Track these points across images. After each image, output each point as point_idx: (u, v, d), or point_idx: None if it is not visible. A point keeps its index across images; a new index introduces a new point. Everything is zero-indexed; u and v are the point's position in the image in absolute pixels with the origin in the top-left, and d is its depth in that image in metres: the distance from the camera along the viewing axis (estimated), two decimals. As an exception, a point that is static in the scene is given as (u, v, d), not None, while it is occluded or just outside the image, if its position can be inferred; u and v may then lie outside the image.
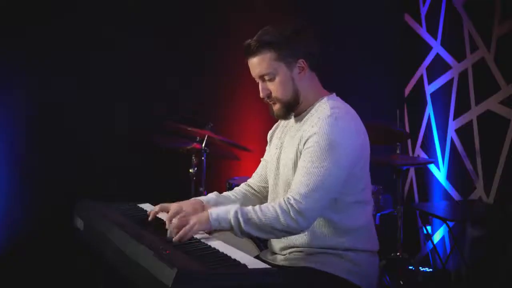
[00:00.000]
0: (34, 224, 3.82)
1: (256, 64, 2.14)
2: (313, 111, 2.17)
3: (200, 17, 4.24)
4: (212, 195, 2.37)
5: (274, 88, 2.15)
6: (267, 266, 1.82)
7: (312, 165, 2.01)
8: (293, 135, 2.20)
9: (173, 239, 1.97)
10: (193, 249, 1.91)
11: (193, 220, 2.00)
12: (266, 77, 2.14)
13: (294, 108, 2.19)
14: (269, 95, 2.17)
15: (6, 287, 3.77)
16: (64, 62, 3.90)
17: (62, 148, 3.91)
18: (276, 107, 2.20)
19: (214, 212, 2.03)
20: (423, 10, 4.44)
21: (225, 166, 4.33)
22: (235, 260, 1.81)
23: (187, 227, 1.98)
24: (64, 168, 3.89)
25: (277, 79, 2.13)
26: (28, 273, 3.77)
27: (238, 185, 3.59)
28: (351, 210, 2.11)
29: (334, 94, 2.24)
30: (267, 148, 2.44)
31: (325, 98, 2.18)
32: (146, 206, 2.53)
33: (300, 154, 2.09)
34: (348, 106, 2.20)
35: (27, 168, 3.88)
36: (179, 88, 4.23)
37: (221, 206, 2.09)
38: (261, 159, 2.47)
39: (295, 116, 2.23)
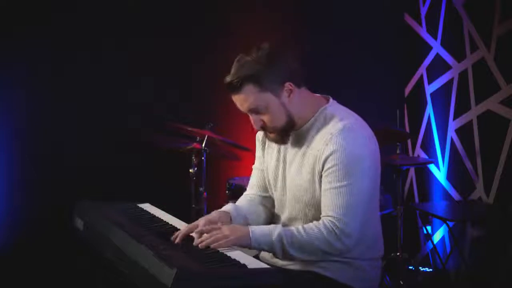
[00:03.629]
0: (34, 224, 3.82)
1: (242, 101, 2.04)
2: (317, 123, 2.10)
3: (200, 17, 4.24)
4: (229, 207, 2.24)
5: (266, 119, 2.07)
6: (267, 266, 1.82)
7: (341, 184, 1.97)
8: (302, 151, 2.12)
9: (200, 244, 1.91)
10: (193, 249, 1.91)
11: (231, 236, 1.94)
12: (257, 110, 2.06)
13: (291, 131, 2.11)
14: (263, 126, 2.10)
15: (6, 287, 3.77)
16: (64, 62, 3.90)
17: (62, 148, 3.91)
18: (273, 136, 2.13)
19: (256, 231, 1.97)
20: (423, 10, 4.44)
21: (225, 166, 4.33)
22: (235, 260, 1.81)
23: (223, 241, 1.92)
24: (64, 168, 3.89)
25: (268, 110, 2.04)
26: (28, 273, 3.77)
27: (238, 186, 3.64)
28: (364, 220, 2.06)
29: (331, 99, 2.18)
30: (257, 155, 2.34)
31: (328, 108, 2.12)
32: (146, 206, 2.54)
33: (319, 175, 2.03)
34: (352, 112, 2.15)
35: (27, 168, 3.87)
36: (179, 88, 4.23)
37: (263, 226, 2.03)
38: (253, 167, 2.37)
39: (294, 130, 2.13)
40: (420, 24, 4.47)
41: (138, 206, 2.54)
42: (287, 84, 2.05)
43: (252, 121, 2.11)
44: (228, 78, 2.04)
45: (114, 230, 2.09)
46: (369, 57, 4.49)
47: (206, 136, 3.63)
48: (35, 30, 3.81)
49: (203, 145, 3.64)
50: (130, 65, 4.02)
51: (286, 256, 1.99)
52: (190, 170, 3.77)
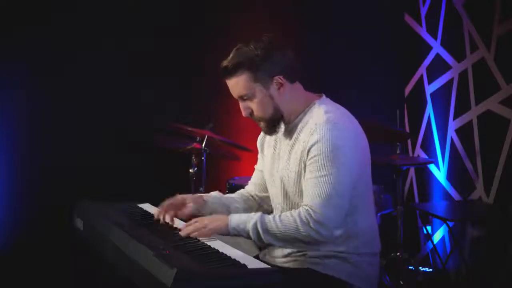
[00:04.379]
0: (34, 224, 3.82)
1: (234, 86, 2.14)
2: (306, 117, 2.15)
3: (200, 17, 4.24)
4: (216, 194, 2.37)
5: (254, 107, 2.15)
6: (267, 266, 1.82)
7: (320, 174, 2.00)
8: (290, 144, 2.18)
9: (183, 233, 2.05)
10: (193, 249, 1.91)
11: (210, 225, 2.06)
12: (245, 97, 2.15)
13: (278, 123, 2.19)
14: (251, 113, 2.18)
15: (6, 287, 3.77)
16: (64, 62, 3.90)
17: (62, 148, 3.91)
18: (261, 125, 2.21)
19: (234, 220, 2.06)
20: (423, 10, 4.44)
21: (225, 166, 4.33)
22: (235, 260, 1.81)
23: (202, 231, 2.05)
24: (64, 168, 3.89)
25: (256, 99, 2.13)
26: (28, 273, 3.77)
27: (238, 186, 3.63)
28: (355, 215, 2.10)
29: (324, 96, 2.22)
30: (259, 156, 2.42)
31: (316, 103, 2.17)
32: (146, 206, 2.54)
33: (305, 165, 2.07)
34: (341, 107, 2.18)
35: (27, 168, 3.88)
36: (179, 88, 4.23)
37: (242, 214, 2.10)
38: (255, 167, 2.46)
39: (286, 124, 2.21)
40: (420, 24, 4.48)
41: (138, 206, 2.54)
42: (277, 77, 2.11)
43: (241, 108, 2.19)
44: (223, 63, 2.15)
45: (114, 230, 2.09)
46: (369, 57, 4.49)
47: (206, 136, 3.63)
48: (35, 30, 3.81)
49: (203, 145, 3.64)
50: (130, 65, 4.03)
51: (263, 242, 2.04)
52: (190, 170, 3.77)
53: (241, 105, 2.18)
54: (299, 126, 2.16)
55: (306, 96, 2.20)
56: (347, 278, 2.09)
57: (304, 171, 2.08)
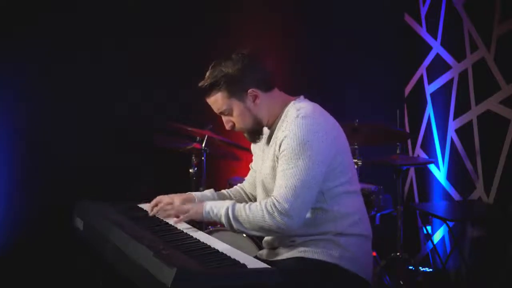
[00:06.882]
0: (34, 224, 3.82)
1: (212, 103, 2.29)
2: (282, 118, 2.25)
3: (200, 17, 4.24)
4: (207, 192, 2.52)
5: (234, 120, 2.29)
6: (266, 266, 1.82)
7: (288, 166, 2.09)
8: (270, 144, 2.29)
9: (174, 222, 2.24)
10: (192, 249, 1.91)
11: (190, 211, 2.23)
12: (225, 113, 2.28)
13: (260, 131, 2.32)
14: (233, 126, 2.32)
15: (6, 287, 3.77)
16: (64, 62, 3.90)
17: (62, 148, 3.90)
18: (245, 135, 2.35)
19: (208, 205, 2.20)
20: (423, 10, 4.45)
21: (225, 166, 4.33)
22: (234, 260, 1.81)
23: (184, 215, 2.23)
24: (64, 168, 3.88)
25: (234, 113, 2.27)
26: (28, 273, 3.77)
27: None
28: (340, 200, 2.18)
29: (302, 96, 2.31)
30: (253, 157, 2.55)
31: (292, 103, 2.26)
32: (146, 206, 2.54)
33: (277, 159, 2.17)
34: (315, 104, 2.26)
35: (27, 168, 3.87)
36: (179, 88, 4.23)
37: (217, 201, 2.24)
38: (250, 165, 2.58)
39: (268, 128, 2.33)
40: (420, 24, 4.48)
41: (138, 206, 2.54)
42: (250, 90, 2.23)
43: (224, 122, 2.34)
44: (200, 83, 2.29)
45: (114, 230, 2.09)
46: (369, 57, 4.49)
47: (206, 136, 3.63)
48: (35, 30, 3.81)
49: (203, 145, 3.64)
50: (130, 65, 4.02)
51: (233, 229, 2.14)
52: (190, 170, 3.77)
53: (223, 119, 2.33)
54: (277, 127, 2.26)
55: (283, 99, 2.30)
56: (339, 261, 2.14)
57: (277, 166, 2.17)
